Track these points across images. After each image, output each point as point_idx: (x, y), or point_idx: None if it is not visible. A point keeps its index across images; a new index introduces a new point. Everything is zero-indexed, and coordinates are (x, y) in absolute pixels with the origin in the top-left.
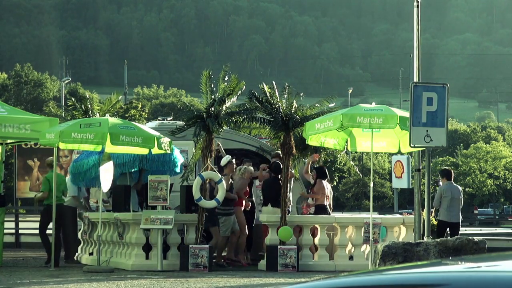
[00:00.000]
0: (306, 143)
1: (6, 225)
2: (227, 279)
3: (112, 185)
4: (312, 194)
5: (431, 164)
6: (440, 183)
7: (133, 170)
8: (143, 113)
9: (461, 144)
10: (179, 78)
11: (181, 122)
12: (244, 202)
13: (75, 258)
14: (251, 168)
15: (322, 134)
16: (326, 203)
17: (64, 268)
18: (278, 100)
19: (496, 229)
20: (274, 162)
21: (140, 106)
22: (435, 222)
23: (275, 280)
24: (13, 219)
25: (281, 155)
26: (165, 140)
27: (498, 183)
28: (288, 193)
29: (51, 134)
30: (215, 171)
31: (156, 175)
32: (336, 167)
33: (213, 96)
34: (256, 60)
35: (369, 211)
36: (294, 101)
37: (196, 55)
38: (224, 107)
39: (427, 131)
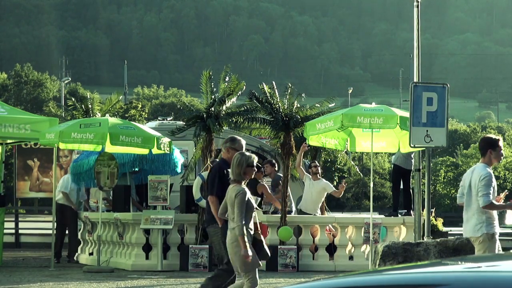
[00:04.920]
0: (307, 143)
1: (6, 225)
2: None
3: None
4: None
5: (431, 164)
6: None
7: (133, 170)
8: (143, 113)
9: (461, 144)
10: (179, 78)
11: (181, 122)
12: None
13: (74, 258)
14: None
15: (322, 134)
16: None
17: (64, 268)
18: (278, 100)
19: None
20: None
21: (140, 106)
22: (435, 222)
23: (275, 280)
24: (13, 219)
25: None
26: (165, 140)
27: (498, 183)
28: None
29: (51, 134)
30: None
31: (156, 175)
32: (336, 167)
33: (213, 96)
34: (256, 60)
35: (369, 211)
36: (296, 101)
37: (196, 55)
38: (224, 107)
39: (427, 131)
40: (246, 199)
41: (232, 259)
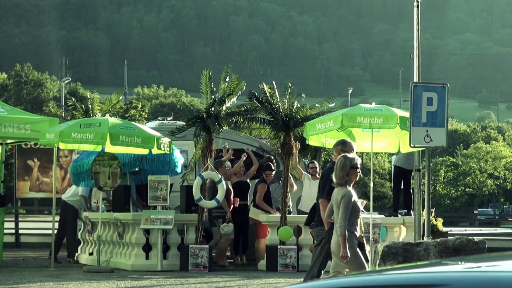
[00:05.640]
0: (307, 143)
1: (6, 225)
2: (227, 279)
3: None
4: None
5: (431, 164)
6: None
7: (133, 170)
8: (143, 113)
9: (461, 144)
10: (179, 78)
11: (181, 122)
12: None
13: (75, 258)
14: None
15: (322, 134)
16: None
17: (64, 268)
18: (278, 100)
19: (496, 229)
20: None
21: (140, 106)
22: (435, 222)
23: (275, 280)
24: (13, 219)
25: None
26: (165, 140)
27: (498, 183)
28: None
29: (51, 134)
30: (215, 171)
31: (156, 175)
32: None
33: (213, 96)
34: (256, 60)
35: (369, 211)
36: (296, 101)
37: (196, 55)
38: (224, 107)
39: (427, 131)
40: (352, 201)
41: (336, 260)
